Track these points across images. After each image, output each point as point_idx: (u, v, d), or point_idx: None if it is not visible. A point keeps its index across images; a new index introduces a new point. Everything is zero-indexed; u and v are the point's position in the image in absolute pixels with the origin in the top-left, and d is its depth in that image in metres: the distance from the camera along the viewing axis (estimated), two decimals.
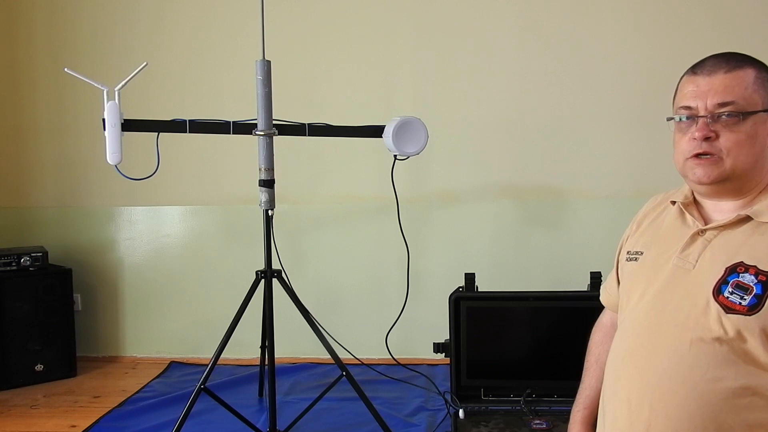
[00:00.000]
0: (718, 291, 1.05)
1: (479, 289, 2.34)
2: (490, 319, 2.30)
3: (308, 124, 2.11)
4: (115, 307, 3.17)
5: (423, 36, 2.95)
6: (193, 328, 3.11)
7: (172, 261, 3.14)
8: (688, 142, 1.13)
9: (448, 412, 2.31)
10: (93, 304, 3.16)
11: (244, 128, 2.05)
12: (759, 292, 1.01)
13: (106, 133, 1.89)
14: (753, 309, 1.01)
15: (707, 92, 1.11)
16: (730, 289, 1.04)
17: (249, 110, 2.05)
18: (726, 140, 1.09)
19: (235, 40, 2.99)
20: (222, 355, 1.99)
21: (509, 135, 2.93)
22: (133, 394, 2.64)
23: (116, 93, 1.90)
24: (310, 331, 2.09)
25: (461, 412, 2.18)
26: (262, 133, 2.01)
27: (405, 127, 2.10)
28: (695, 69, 1.17)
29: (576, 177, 2.89)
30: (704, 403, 1.02)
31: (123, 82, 1.89)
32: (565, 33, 2.88)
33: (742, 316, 1.02)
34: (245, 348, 2.76)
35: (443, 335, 2.32)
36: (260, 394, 2.58)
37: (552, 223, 2.92)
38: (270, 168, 2.04)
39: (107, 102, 1.88)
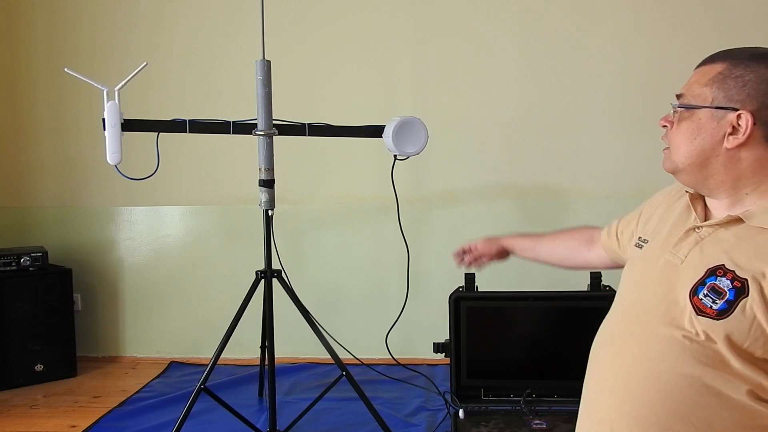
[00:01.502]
0: (694, 292, 1.04)
1: (479, 289, 2.34)
2: (490, 319, 2.30)
3: (308, 124, 2.11)
4: (115, 307, 3.17)
5: (423, 36, 2.95)
6: (193, 328, 3.11)
7: (172, 261, 3.14)
8: None
9: (448, 412, 2.31)
10: (93, 304, 3.16)
11: (244, 128, 2.05)
12: (731, 298, 1.00)
13: (106, 133, 1.89)
14: (722, 314, 1.00)
15: (686, 83, 1.15)
16: (705, 292, 1.03)
17: (249, 110, 2.05)
18: (672, 133, 1.13)
19: (235, 40, 2.99)
20: (222, 355, 2.00)
21: (509, 135, 2.93)
22: (133, 394, 2.64)
23: (116, 93, 1.90)
24: (310, 331, 2.09)
25: (461, 412, 2.18)
26: (262, 133, 2.01)
27: (405, 127, 2.10)
28: None
29: (576, 177, 2.89)
30: (667, 395, 1.04)
31: (123, 82, 1.89)
32: (565, 33, 2.88)
33: (711, 320, 1.01)
34: (245, 348, 2.76)
35: (443, 335, 2.32)
36: (260, 394, 2.58)
37: (552, 223, 2.89)
38: (270, 168, 2.04)
39: (107, 102, 1.88)
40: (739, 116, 1.04)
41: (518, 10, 2.90)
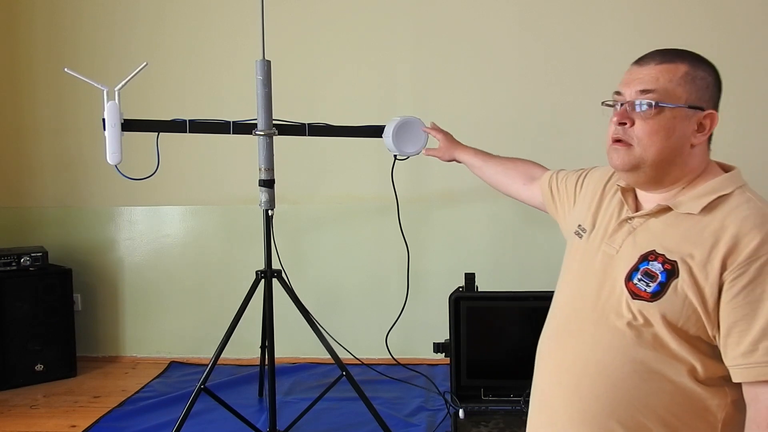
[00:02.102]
0: (629, 277, 1.10)
1: (479, 289, 2.34)
2: (490, 319, 2.30)
3: (308, 124, 2.11)
4: (115, 307, 3.17)
5: (423, 36, 2.95)
6: (193, 328, 3.11)
7: (172, 261, 3.14)
8: (611, 125, 1.16)
9: (448, 412, 2.31)
10: (93, 304, 3.16)
11: (244, 128, 2.05)
12: (663, 280, 1.06)
13: (106, 133, 1.89)
14: (656, 296, 1.05)
15: (634, 80, 1.14)
16: (639, 276, 1.09)
17: (249, 110, 2.05)
18: (639, 129, 1.11)
19: (235, 40, 2.99)
20: (222, 355, 2.00)
21: (509, 135, 2.93)
22: (133, 394, 2.64)
23: (116, 93, 1.90)
24: (310, 331, 2.09)
25: (461, 412, 2.18)
26: (262, 133, 2.01)
27: (405, 127, 2.10)
28: (637, 60, 1.21)
29: None
30: (611, 384, 1.08)
31: (123, 82, 1.89)
32: (565, 33, 2.88)
33: (646, 302, 1.06)
34: (245, 348, 2.76)
35: (443, 335, 2.32)
36: (260, 394, 2.58)
37: (552, 223, 2.89)
38: (270, 168, 2.04)
39: (107, 102, 1.88)
40: (706, 115, 1.11)
41: (518, 10, 2.90)
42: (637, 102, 1.11)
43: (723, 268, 1.01)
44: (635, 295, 1.08)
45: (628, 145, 1.12)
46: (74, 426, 2.34)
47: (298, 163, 2.97)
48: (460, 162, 1.90)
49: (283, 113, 2.09)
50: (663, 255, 1.07)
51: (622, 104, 1.14)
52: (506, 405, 2.25)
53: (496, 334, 2.31)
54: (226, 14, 3.01)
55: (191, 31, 3.05)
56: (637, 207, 1.19)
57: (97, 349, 3.16)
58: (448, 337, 2.29)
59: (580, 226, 1.29)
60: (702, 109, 1.11)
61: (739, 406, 1.06)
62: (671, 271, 1.05)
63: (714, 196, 1.08)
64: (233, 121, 2.04)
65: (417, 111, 2.30)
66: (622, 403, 1.07)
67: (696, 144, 1.11)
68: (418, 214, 2.95)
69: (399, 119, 2.10)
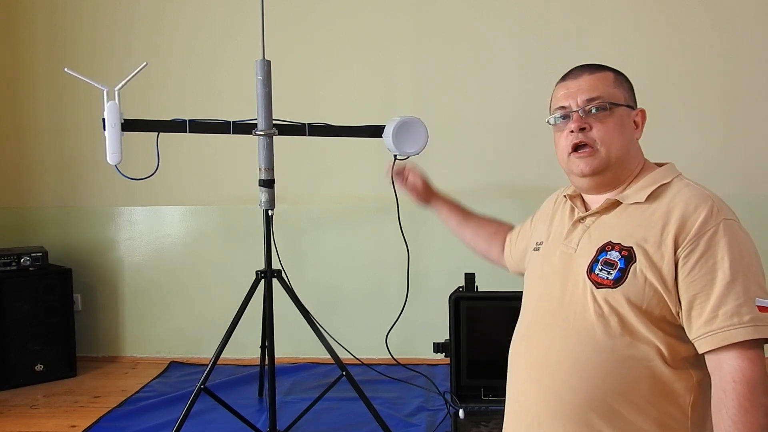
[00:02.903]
0: (590, 269, 1.16)
1: (479, 289, 2.34)
2: (490, 319, 2.30)
3: (308, 124, 2.11)
4: (115, 307, 3.17)
5: (423, 36, 2.95)
6: (193, 328, 3.11)
7: (172, 261, 3.14)
8: (566, 137, 1.24)
9: (448, 412, 2.31)
10: (93, 304, 3.16)
11: (244, 128, 2.05)
12: (622, 266, 1.12)
13: (106, 133, 1.89)
14: (618, 282, 1.11)
15: (576, 92, 1.23)
16: (600, 266, 1.15)
17: (249, 110, 2.05)
18: (598, 131, 1.20)
19: (235, 40, 2.99)
20: (222, 355, 1.99)
21: (509, 135, 2.93)
22: (133, 394, 2.64)
23: (116, 93, 1.90)
24: (310, 331, 2.09)
25: (461, 412, 2.18)
26: (262, 133, 2.01)
27: (405, 127, 2.10)
28: (563, 77, 1.30)
29: None
30: (586, 376, 1.11)
31: (123, 82, 1.89)
32: (565, 33, 2.88)
33: (609, 289, 1.12)
34: (245, 348, 2.76)
35: (443, 335, 2.32)
36: (260, 394, 2.58)
37: None
38: (270, 168, 2.04)
39: (107, 102, 1.88)
40: (637, 113, 1.25)
41: (518, 10, 2.90)
42: (590, 108, 1.21)
43: (675, 245, 1.09)
44: (598, 284, 1.13)
45: (591, 149, 1.20)
46: (74, 426, 2.34)
47: (298, 163, 2.97)
48: (433, 209, 1.83)
49: (283, 113, 2.09)
50: (619, 243, 1.14)
51: (567, 116, 1.24)
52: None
53: (497, 334, 2.30)
54: (226, 14, 3.01)
55: (191, 31, 3.05)
56: (586, 209, 1.28)
57: (97, 349, 3.16)
58: (448, 337, 2.29)
59: (537, 242, 1.38)
60: (634, 108, 1.25)
61: (703, 387, 1.10)
62: (628, 256, 1.12)
63: (656, 185, 1.18)
64: (233, 121, 2.04)
65: (417, 111, 2.30)
66: (597, 394, 1.10)
67: (637, 138, 1.25)
68: (418, 214, 2.92)
69: (399, 119, 2.10)
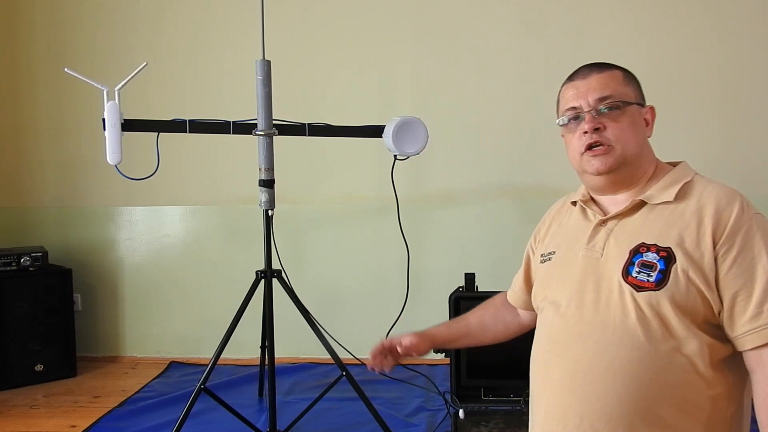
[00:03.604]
0: (626, 272, 1.11)
1: (479, 289, 2.34)
2: None
3: (308, 124, 2.11)
4: (115, 307, 3.17)
5: (423, 36, 2.95)
6: (193, 328, 3.11)
7: (172, 261, 3.14)
8: (579, 138, 1.23)
9: (448, 412, 2.31)
10: (93, 304, 3.16)
11: (244, 128, 2.05)
12: (662, 267, 1.08)
13: (106, 133, 1.89)
14: (660, 284, 1.07)
15: (587, 91, 1.22)
16: (637, 269, 1.10)
17: (249, 110, 2.05)
18: (612, 129, 1.18)
19: (235, 40, 3.00)
20: (222, 355, 1.99)
21: (509, 135, 2.93)
22: (133, 394, 2.64)
23: (116, 93, 1.90)
24: (310, 331, 2.09)
25: (461, 412, 2.18)
26: (262, 133, 2.01)
27: (405, 127, 2.10)
28: (571, 77, 1.29)
29: (576, 176, 2.88)
30: (632, 384, 1.07)
31: (123, 82, 1.89)
32: (565, 33, 2.88)
33: (652, 292, 1.08)
34: (245, 348, 2.76)
35: None
36: (260, 394, 2.58)
37: None
38: (270, 168, 2.04)
39: (107, 102, 1.88)
40: (647, 110, 1.24)
41: (518, 10, 2.90)
42: (602, 107, 1.19)
43: (714, 242, 1.07)
44: (639, 287, 1.09)
45: (606, 147, 1.18)
46: (74, 426, 2.34)
47: (298, 163, 2.97)
48: (440, 348, 1.57)
49: (283, 113, 2.09)
50: (655, 244, 1.11)
51: (579, 117, 1.22)
52: (506, 405, 2.25)
53: None
54: (226, 14, 3.01)
55: (191, 31, 3.05)
56: (604, 212, 1.24)
57: (97, 349, 3.16)
58: None
59: (543, 254, 1.33)
60: (643, 105, 1.24)
61: (738, 388, 1.09)
62: (667, 257, 1.08)
63: (681, 183, 1.16)
64: (233, 121, 2.04)
65: (417, 111, 2.30)
66: (643, 401, 1.06)
67: (649, 136, 1.23)
68: (418, 214, 2.95)
69: (399, 119, 2.10)
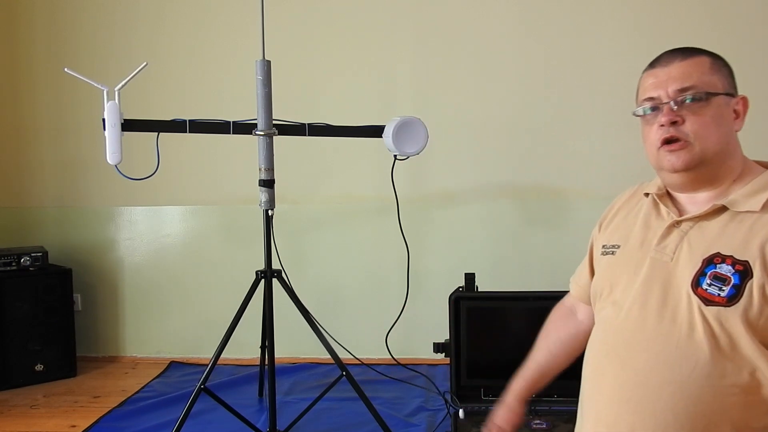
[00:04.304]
0: (696, 283, 1.03)
1: (479, 289, 2.33)
2: (490, 319, 2.30)
3: (308, 124, 2.11)
4: (115, 307, 3.17)
5: (423, 36, 2.95)
6: (193, 328, 3.11)
7: (172, 261, 3.14)
8: (656, 131, 1.12)
9: (448, 412, 2.31)
10: (93, 304, 3.16)
11: (244, 128, 2.05)
12: (737, 282, 1.00)
13: (106, 133, 1.89)
14: (732, 300, 0.99)
15: (667, 81, 1.12)
16: (709, 281, 1.02)
17: (249, 110, 2.05)
18: (692, 124, 1.09)
19: (235, 40, 3.00)
20: (222, 355, 1.99)
21: (509, 135, 2.93)
22: (133, 394, 2.64)
23: (116, 93, 1.90)
24: (310, 331, 2.09)
25: (461, 412, 2.18)
26: (262, 133, 2.01)
27: (405, 127, 2.10)
28: (652, 64, 1.18)
29: (576, 177, 2.89)
30: (692, 402, 1.01)
31: (123, 82, 1.89)
32: (565, 33, 2.88)
33: (722, 308, 1.00)
34: (245, 348, 2.76)
35: (443, 335, 2.32)
36: (260, 394, 2.58)
37: (552, 223, 2.92)
38: (270, 168, 2.04)
39: (107, 102, 1.88)
40: (738, 101, 1.13)
41: (518, 10, 2.90)
42: (682, 98, 1.09)
43: None
44: (708, 301, 1.01)
45: (684, 142, 1.09)
46: (74, 426, 2.34)
47: (298, 163, 2.97)
48: (533, 397, 1.42)
49: (283, 113, 2.09)
50: (731, 256, 1.02)
51: (657, 107, 1.12)
52: None
53: (496, 334, 2.31)
54: (226, 14, 3.01)
55: (191, 31, 3.05)
56: (679, 211, 1.15)
57: (97, 349, 3.16)
58: (448, 337, 2.29)
59: (605, 246, 1.24)
60: (734, 96, 1.13)
61: None
62: (744, 272, 1.00)
63: None
64: (233, 121, 2.04)
65: (417, 111, 2.30)
66: (699, 420, 1.00)
67: (737, 130, 1.13)
68: (418, 214, 2.95)
69: (399, 119, 2.10)
